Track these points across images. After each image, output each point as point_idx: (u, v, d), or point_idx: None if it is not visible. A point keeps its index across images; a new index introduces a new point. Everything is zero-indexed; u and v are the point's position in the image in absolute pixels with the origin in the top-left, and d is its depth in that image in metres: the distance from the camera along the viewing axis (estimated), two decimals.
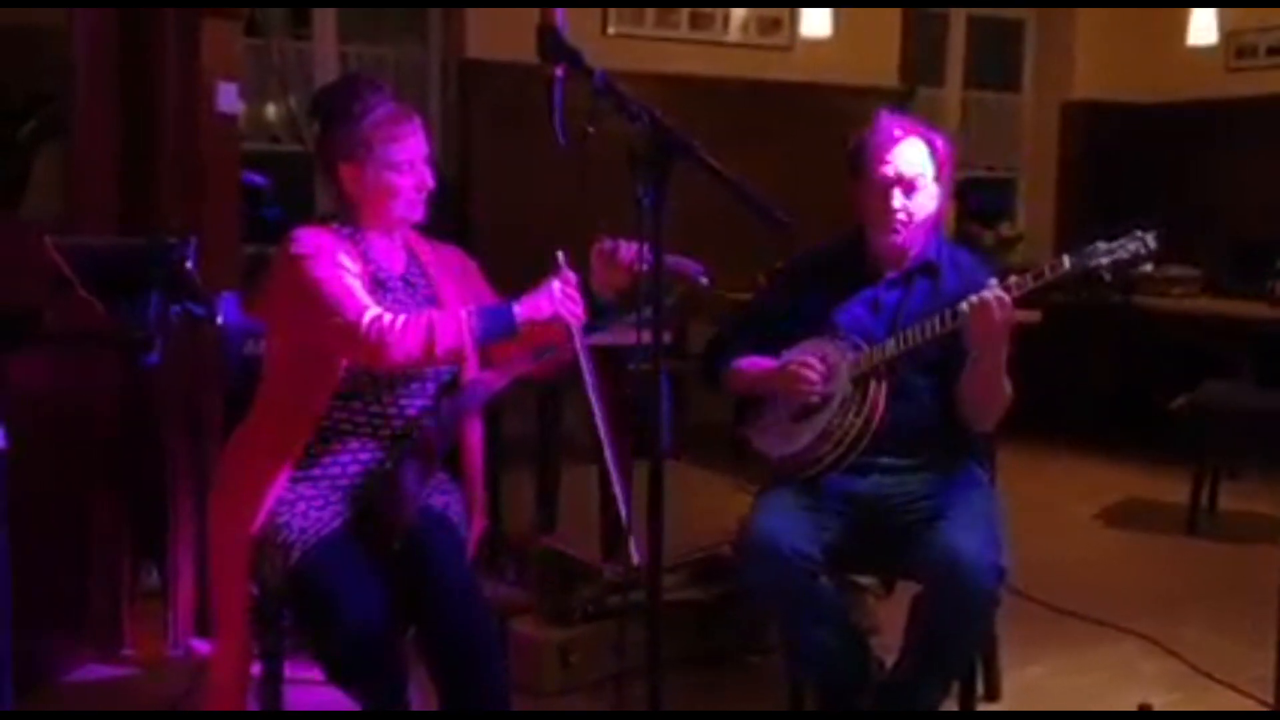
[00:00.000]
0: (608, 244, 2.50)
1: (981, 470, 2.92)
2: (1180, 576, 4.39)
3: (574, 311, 2.41)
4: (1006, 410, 2.76)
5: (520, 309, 2.39)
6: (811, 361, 2.79)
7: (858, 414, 2.74)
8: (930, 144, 2.82)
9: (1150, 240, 2.56)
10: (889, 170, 2.78)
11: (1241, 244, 6.30)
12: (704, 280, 2.12)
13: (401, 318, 2.35)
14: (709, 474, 5.06)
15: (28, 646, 3.10)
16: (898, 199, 2.79)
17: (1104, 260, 2.57)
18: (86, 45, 3.25)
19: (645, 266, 2.45)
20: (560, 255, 2.46)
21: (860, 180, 2.83)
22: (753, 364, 2.93)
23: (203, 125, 3.33)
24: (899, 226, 2.81)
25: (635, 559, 2.17)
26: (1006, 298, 2.56)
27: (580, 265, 2.49)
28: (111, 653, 3.32)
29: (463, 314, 2.38)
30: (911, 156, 2.79)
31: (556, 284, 2.42)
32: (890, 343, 2.73)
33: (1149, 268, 2.59)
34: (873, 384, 2.75)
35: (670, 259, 2.16)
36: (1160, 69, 6.88)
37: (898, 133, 2.81)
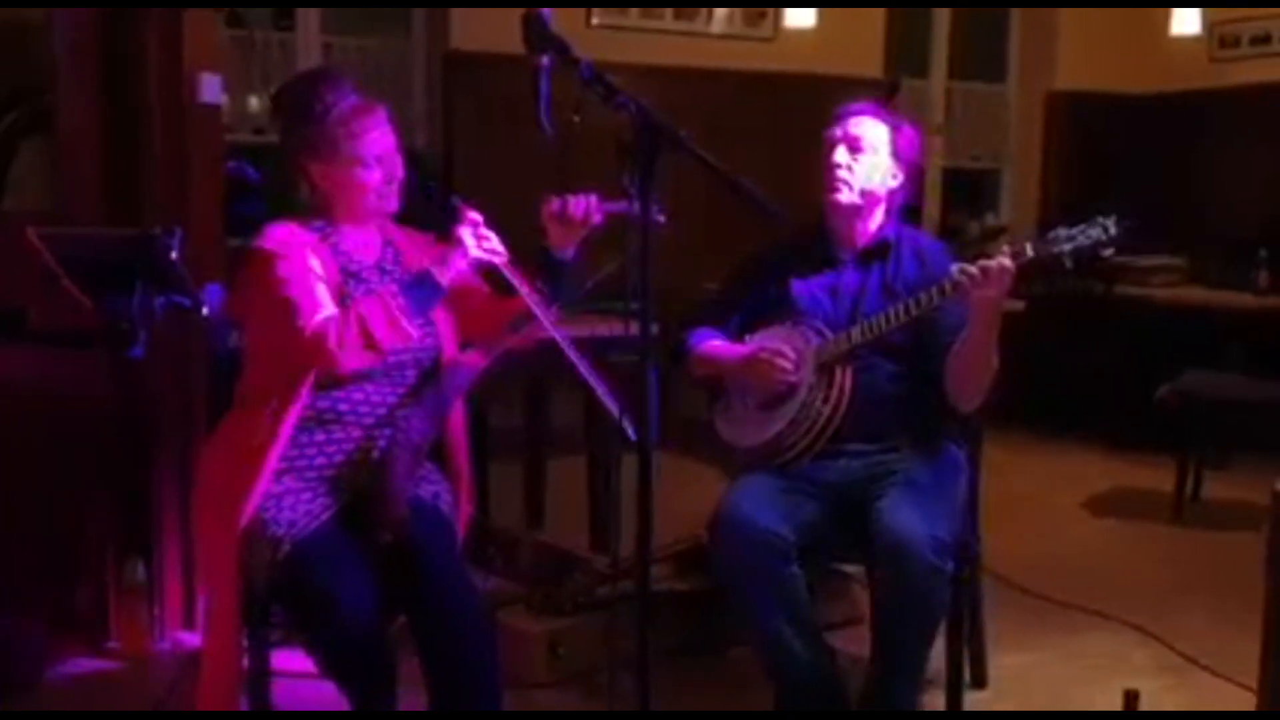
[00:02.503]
0: (555, 203, 2.51)
1: (956, 448, 2.92)
2: (1166, 565, 4.41)
3: (493, 250, 2.45)
4: (991, 389, 2.77)
5: (441, 274, 2.41)
6: (785, 351, 2.80)
7: (825, 401, 2.77)
8: (891, 123, 2.88)
9: (1111, 226, 2.58)
10: (836, 131, 2.86)
11: (1227, 234, 6.31)
12: (660, 218, 2.11)
13: (333, 319, 2.33)
14: (694, 465, 5.05)
15: (13, 640, 3.10)
16: (840, 155, 2.84)
17: (1066, 247, 2.60)
18: (68, 39, 3.24)
19: (598, 216, 2.48)
20: (456, 201, 2.48)
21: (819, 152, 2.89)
22: (718, 349, 2.96)
23: (186, 117, 3.31)
24: (839, 185, 2.85)
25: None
26: (1011, 265, 2.58)
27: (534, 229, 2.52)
28: (98, 647, 3.30)
29: (386, 296, 2.36)
30: (863, 124, 2.86)
31: (465, 231, 2.44)
32: (855, 330, 2.76)
33: (1109, 253, 2.61)
34: (838, 370, 2.77)
35: (620, 203, 2.16)
36: (1144, 59, 6.89)
37: (856, 108, 2.90)
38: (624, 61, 5.37)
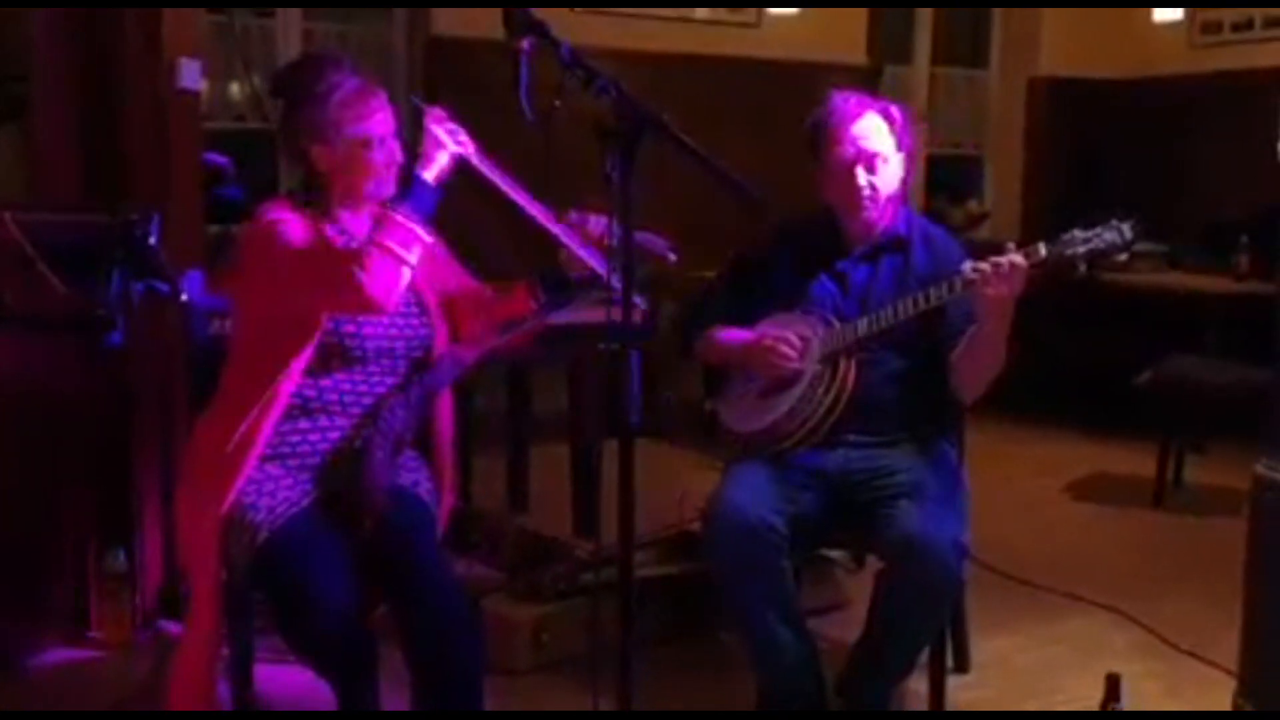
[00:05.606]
0: (575, 218, 2.50)
1: (950, 446, 2.93)
2: (1147, 550, 4.43)
3: (462, 142, 2.45)
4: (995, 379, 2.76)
5: (426, 172, 2.41)
6: (790, 337, 2.79)
7: (827, 391, 2.74)
8: (887, 116, 2.81)
9: (1126, 231, 2.55)
10: (849, 149, 2.79)
11: (1209, 219, 6.33)
12: (670, 256, 2.12)
13: (351, 252, 2.34)
14: (679, 451, 5.05)
15: None
16: (862, 177, 2.79)
17: (1080, 249, 2.57)
18: (46, 25, 3.21)
19: (613, 240, 2.47)
20: (415, 99, 2.49)
21: (822, 162, 2.83)
22: (728, 335, 2.93)
23: (165, 103, 3.29)
24: (867, 204, 2.81)
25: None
26: (1024, 262, 2.55)
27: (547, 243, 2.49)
28: (78, 635, 3.29)
29: (391, 214, 2.36)
30: (870, 132, 2.79)
31: (436, 127, 2.44)
32: (862, 322, 2.73)
33: (1123, 257, 2.59)
34: (842, 361, 2.75)
35: (637, 235, 2.16)
36: (1126, 45, 6.90)
37: (852, 110, 2.80)
38: (607, 47, 5.34)
